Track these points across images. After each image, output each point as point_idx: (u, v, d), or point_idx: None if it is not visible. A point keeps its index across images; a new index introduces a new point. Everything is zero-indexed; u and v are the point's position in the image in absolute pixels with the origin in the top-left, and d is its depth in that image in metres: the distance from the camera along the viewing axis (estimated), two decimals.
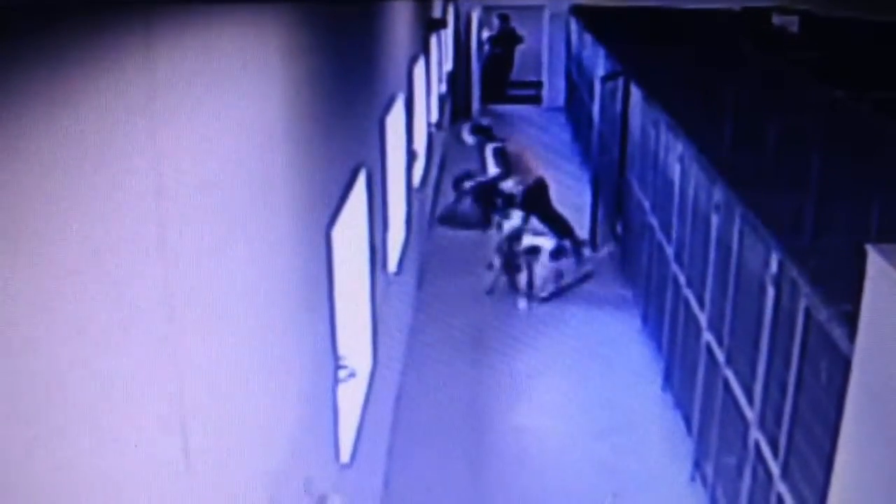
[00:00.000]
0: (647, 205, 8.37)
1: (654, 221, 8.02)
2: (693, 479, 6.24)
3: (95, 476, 1.69)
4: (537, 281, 9.32)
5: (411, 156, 8.64)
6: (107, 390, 1.73)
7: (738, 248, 5.39)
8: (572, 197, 11.16)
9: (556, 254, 9.84)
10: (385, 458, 6.35)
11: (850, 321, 3.58)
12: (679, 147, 7.00)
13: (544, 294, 9.20)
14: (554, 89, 18.17)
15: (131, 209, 1.85)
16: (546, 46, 18.25)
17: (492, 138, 10.16)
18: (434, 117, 11.99)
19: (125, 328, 1.82)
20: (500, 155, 9.77)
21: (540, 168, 10.19)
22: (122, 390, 1.81)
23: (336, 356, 4.24)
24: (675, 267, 7.09)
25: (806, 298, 4.21)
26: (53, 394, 1.53)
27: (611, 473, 6.36)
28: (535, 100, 18.64)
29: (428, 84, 10.92)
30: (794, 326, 4.35)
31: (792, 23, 9.23)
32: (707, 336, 6.02)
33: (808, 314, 4.20)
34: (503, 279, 9.37)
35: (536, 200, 9.80)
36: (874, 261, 3.31)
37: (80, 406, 1.62)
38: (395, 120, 7.06)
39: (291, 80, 3.34)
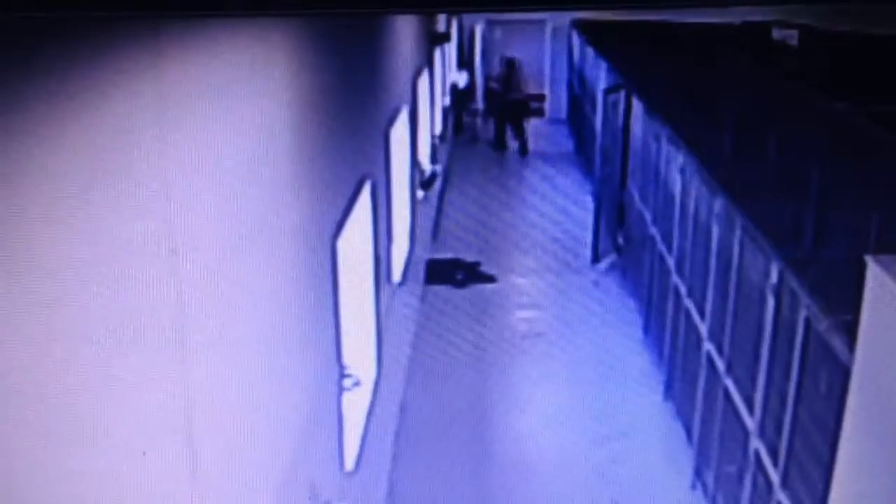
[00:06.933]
0: (648, 216, 8.42)
1: (655, 232, 8.07)
2: (694, 487, 6.26)
3: (104, 483, 1.72)
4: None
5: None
6: (116, 399, 1.76)
7: (738, 259, 5.43)
8: (575, 208, 11.22)
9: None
10: (389, 466, 6.38)
11: (850, 331, 3.62)
12: (680, 159, 7.05)
13: None
14: (556, 101, 18.24)
15: (141, 220, 1.88)
16: (548, 59, 18.33)
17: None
18: (438, 129, 12.05)
19: (134, 337, 1.85)
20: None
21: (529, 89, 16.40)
22: (130, 399, 1.84)
23: (341, 365, 4.28)
24: (675, 277, 7.13)
25: (806, 308, 4.25)
26: (62, 402, 1.55)
27: (612, 481, 6.39)
28: (538, 112, 18.70)
29: (432, 97, 10.98)
30: (794, 336, 4.39)
31: (791, 36, 9.27)
32: (708, 346, 6.06)
33: (807, 324, 4.24)
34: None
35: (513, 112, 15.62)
36: (873, 271, 3.36)
37: (89, 414, 1.65)
38: (399, 132, 7.11)
39: (298, 92, 3.39)
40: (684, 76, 9.25)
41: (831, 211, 5.02)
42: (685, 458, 6.47)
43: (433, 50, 11.27)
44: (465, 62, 17.82)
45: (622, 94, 9.81)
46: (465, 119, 16.78)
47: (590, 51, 13.65)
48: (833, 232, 4.98)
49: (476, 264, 10.24)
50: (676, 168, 7.18)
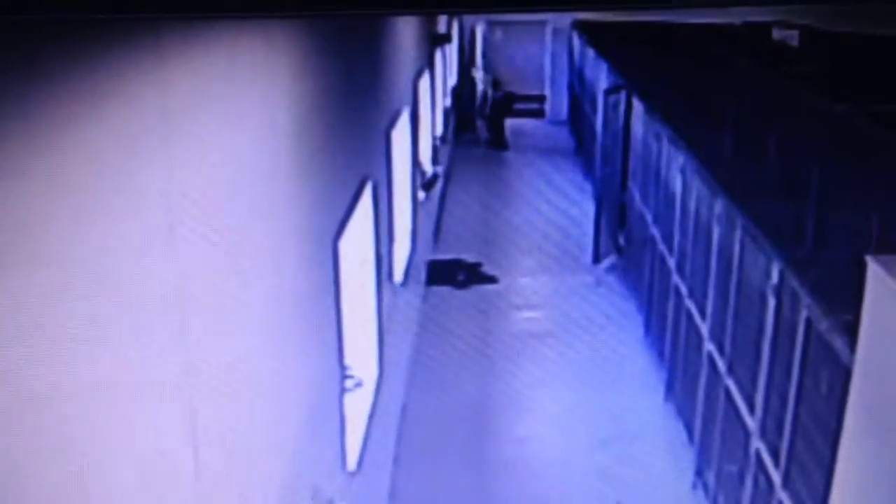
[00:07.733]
0: (649, 216, 8.42)
1: (656, 233, 8.08)
2: (695, 487, 6.27)
3: (105, 485, 1.73)
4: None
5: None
6: (117, 399, 1.77)
7: (739, 259, 5.44)
8: (575, 209, 11.24)
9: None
10: (391, 466, 6.39)
11: (851, 331, 3.63)
12: (681, 159, 7.06)
13: None
14: (557, 103, 18.25)
15: (143, 223, 1.89)
16: (549, 60, 18.35)
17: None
18: (439, 130, 12.06)
19: (137, 338, 1.86)
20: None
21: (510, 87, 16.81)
22: (132, 399, 1.85)
23: (343, 366, 4.29)
24: (676, 278, 7.14)
25: (807, 309, 4.26)
26: (65, 403, 1.56)
27: (614, 482, 6.40)
28: (539, 113, 18.71)
29: (433, 98, 10.99)
30: (794, 336, 4.39)
31: (792, 37, 9.27)
32: (709, 346, 6.06)
33: (808, 324, 4.24)
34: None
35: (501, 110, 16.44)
36: (873, 272, 3.37)
37: (91, 415, 1.66)
38: (400, 133, 7.12)
39: (300, 93, 3.40)
40: (685, 77, 9.26)
41: (832, 211, 5.03)
42: (686, 459, 6.48)
43: (434, 51, 11.28)
44: (465, 63, 17.98)
45: (623, 94, 9.82)
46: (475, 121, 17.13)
47: (590, 51, 13.66)
48: (834, 232, 4.98)
49: (477, 265, 10.25)
50: (677, 168, 7.19)
